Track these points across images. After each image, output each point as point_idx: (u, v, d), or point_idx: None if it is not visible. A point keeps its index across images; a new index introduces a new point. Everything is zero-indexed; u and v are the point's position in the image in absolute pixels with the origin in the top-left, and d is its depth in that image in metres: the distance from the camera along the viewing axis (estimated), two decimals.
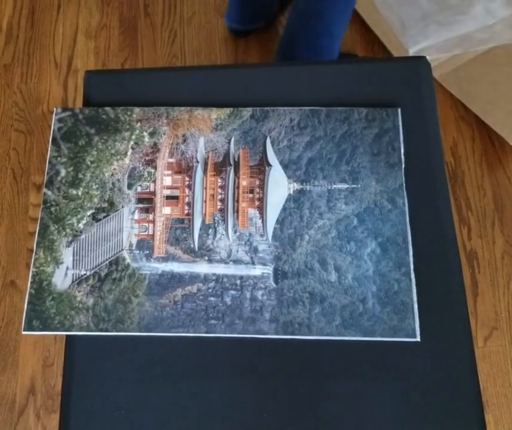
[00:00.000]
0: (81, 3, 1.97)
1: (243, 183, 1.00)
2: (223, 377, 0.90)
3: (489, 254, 1.60)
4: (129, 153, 1.01)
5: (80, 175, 1.00)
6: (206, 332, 0.91)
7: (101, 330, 0.91)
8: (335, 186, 1.00)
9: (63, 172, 1.00)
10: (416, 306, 0.91)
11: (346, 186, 1.00)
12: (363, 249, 0.96)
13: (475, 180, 1.68)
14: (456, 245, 0.99)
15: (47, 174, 1.00)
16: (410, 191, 0.98)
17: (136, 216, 0.99)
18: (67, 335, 0.95)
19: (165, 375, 0.90)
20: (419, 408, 0.88)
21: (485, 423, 0.88)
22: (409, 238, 0.95)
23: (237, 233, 0.97)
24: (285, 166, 1.01)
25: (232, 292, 0.94)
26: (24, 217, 1.65)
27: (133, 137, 1.03)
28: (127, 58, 1.88)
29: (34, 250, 0.96)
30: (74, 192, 0.99)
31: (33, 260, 0.95)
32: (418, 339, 0.90)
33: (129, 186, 1.00)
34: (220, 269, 0.95)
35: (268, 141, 1.02)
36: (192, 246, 0.96)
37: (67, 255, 0.95)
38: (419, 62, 1.08)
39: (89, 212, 0.98)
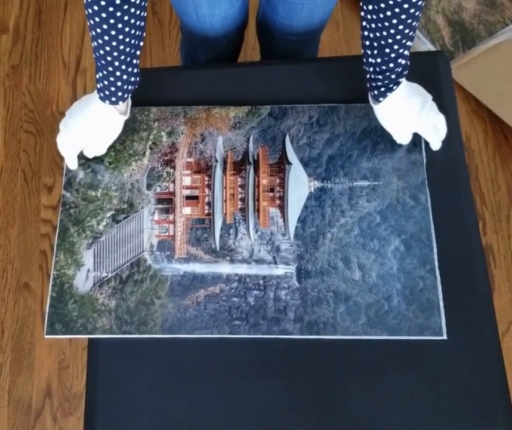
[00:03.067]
0: None
1: (263, 181, 0.99)
2: (248, 379, 0.89)
3: (504, 248, 1.59)
4: (147, 154, 1.01)
5: (98, 177, 0.99)
6: (230, 333, 0.91)
7: (124, 332, 0.91)
8: (356, 183, 0.99)
9: (81, 174, 0.99)
10: (441, 303, 0.91)
11: (368, 183, 0.98)
12: (386, 247, 0.94)
13: (488, 174, 1.67)
14: (480, 240, 0.98)
15: (65, 176, 0.99)
16: (432, 187, 0.97)
17: (156, 217, 0.98)
18: (89, 338, 0.94)
19: (189, 378, 0.89)
20: (448, 405, 0.87)
21: None
22: (433, 235, 0.95)
23: (259, 233, 0.96)
24: (305, 164, 1.00)
25: (255, 292, 0.93)
26: (36, 219, 1.64)
27: (151, 137, 1.02)
28: None
29: (55, 252, 0.95)
30: (93, 193, 0.98)
31: (53, 262, 0.95)
32: (445, 337, 0.89)
33: (148, 187, 0.99)
34: (242, 269, 0.94)
35: (287, 139, 1.01)
36: (213, 246, 0.95)
37: (87, 257, 0.95)
38: (438, 56, 1.07)
39: (108, 214, 0.97)
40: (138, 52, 0.86)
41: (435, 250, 0.94)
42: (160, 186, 0.99)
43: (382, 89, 0.89)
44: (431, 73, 0.89)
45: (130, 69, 0.86)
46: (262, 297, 0.92)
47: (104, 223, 0.96)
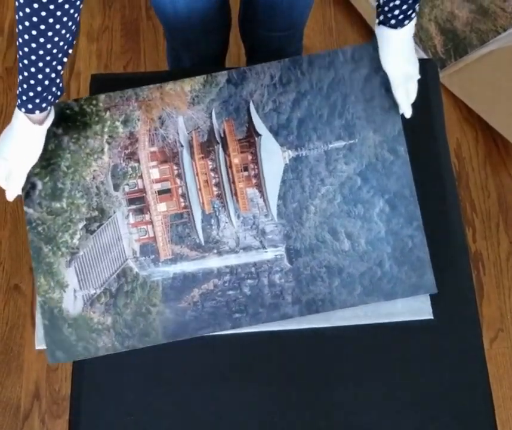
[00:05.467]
0: (83, 6, 1.96)
1: (235, 160, 0.93)
2: (232, 381, 0.90)
3: (494, 255, 1.60)
4: (106, 149, 0.93)
5: (59, 185, 0.92)
6: (232, 328, 0.89)
7: (127, 347, 0.88)
8: (331, 146, 0.93)
9: (40, 185, 0.91)
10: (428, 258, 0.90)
11: (343, 143, 0.93)
12: (371, 210, 0.92)
13: (479, 181, 1.68)
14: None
15: (22, 190, 0.91)
16: (420, 191, 0.95)
17: (131, 220, 0.93)
18: None
19: (174, 381, 0.90)
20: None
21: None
22: (414, 189, 0.91)
23: (241, 218, 0.93)
24: (275, 133, 0.93)
25: (249, 281, 0.90)
26: None
27: (106, 129, 0.94)
28: (129, 61, 1.87)
29: (34, 277, 0.89)
30: (58, 204, 0.91)
31: (36, 288, 0.90)
32: (436, 291, 0.90)
33: (116, 187, 0.93)
34: (231, 260, 0.91)
35: (251, 107, 0.94)
36: (198, 241, 0.92)
37: (70, 276, 0.90)
38: (427, 65, 1.08)
39: (80, 225, 0.91)
40: (64, 59, 0.82)
41: (418, 206, 0.91)
42: (128, 184, 0.93)
43: (401, 16, 0.85)
44: (420, 80, 0.89)
45: (53, 75, 0.82)
46: (256, 285, 0.90)
47: (78, 235, 0.91)
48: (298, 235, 0.92)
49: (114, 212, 0.92)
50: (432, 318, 0.91)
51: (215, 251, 0.92)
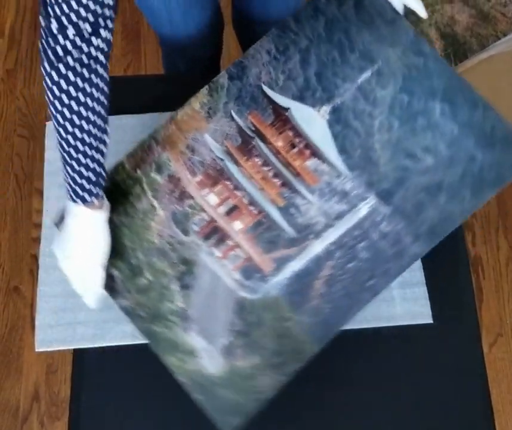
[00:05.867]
0: None
1: (279, 143, 0.89)
2: None
3: (493, 260, 1.60)
4: (156, 204, 0.88)
5: (134, 262, 0.86)
6: (373, 296, 0.82)
7: (289, 374, 0.82)
8: (360, 80, 0.89)
9: (116, 273, 0.86)
10: None
11: (369, 71, 0.89)
12: (433, 116, 0.87)
13: None
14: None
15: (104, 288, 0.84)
16: None
17: (218, 253, 0.87)
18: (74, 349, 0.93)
19: (175, 384, 0.89)
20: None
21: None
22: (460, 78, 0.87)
23: (316, 192, 0.87)
24: (301, 99, 0.90)
25: (361, 245, 0.84)
26: (28, 222, 1.64)
27: (146, 186, 0.89)
28: (130, 63, 1.87)
29: (163, 361, 0.82)
30: (143, 280, 0.85)
31: (172, 371, 0.82)
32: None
33: (185, 233, 0.87)
34: (332, 235, 0.85)
35: (265, 88, 0.91)
36: (289, 236, 0.86)
37: (194, 340, 0.83)
38: None
39: (174, 286, 0.85)
40: (104, 137, 0.80)
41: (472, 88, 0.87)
42: (194, 223, 0.87)
43: None
44: None
45: (98, 156, 0.79)
46: (370, 244, 0.84)
47: (178, 297, 0.84)
48: (378, 176, 0.86)
49: (197, 256, 0.87)
50: (432, 322, 0.91)
51: (312, 235, 0.85)
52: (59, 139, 0.78)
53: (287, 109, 0.89)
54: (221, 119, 0.91)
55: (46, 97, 0.75)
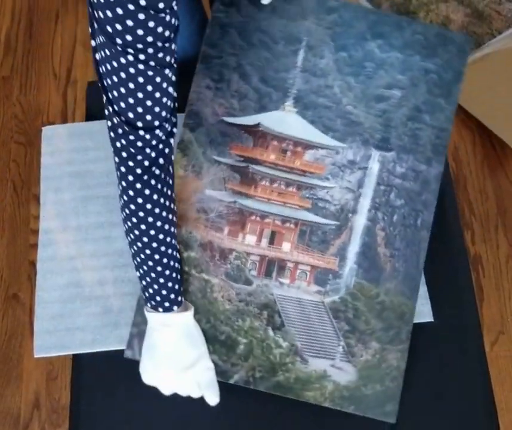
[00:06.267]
0: (79, 14, 1.96)
1: (271, 157, 0.91)
2: (238, 393, 0.88)
3: (493, 258, 1.59)
4: (205, 277, 0.88)
5: (223, 338, 0.86)
6: (429, 228, 0.90)
7: None
8: (299, 62, 0.93)
9: (214, 357, 0.85)
10: None
11: (302, 50, 0.94)
12: (374, 55, 0.92)
13: (477, 184, 1.68)
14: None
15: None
16: None
17: (286, 280, 0.89)
18: (73, 354, 0.92)
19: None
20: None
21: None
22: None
23: (329, 176, 0.91)
24: (262, 109, 0.93)
25: (392, 195, 0.90)
26: (26, 229, 1.64)
27: (186, 268, 0.88)
28: None
29: None
30: (241, 347, 0.86)
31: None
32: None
33: (248, 282, 0.89)
34: (365, 203, 0.90)
35: (228, 119, 0.92)
36: (334, 226, 0.90)
37: (321, 365, 0.86)
38: None
39: (272, 333, 0.87)
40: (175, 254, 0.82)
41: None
42: (250, 269, 0.89)
43: None
44: None
45: (176, 264, 0.82)
46: (400, 190, 0.91)
47: (281, 339, 0.86)
48: (368, 131, 0.92)
49: (272, 295, 0.89)
50: (432, 320, 0.91)
51: (350, 214, 0.91)
52: (134, 249, 0.79)
53: (258, 125, 0.92)
54: (209, 168, 0.92)
55: (122, 212, 0.77)
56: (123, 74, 0.66)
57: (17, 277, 1.59)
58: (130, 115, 0.69)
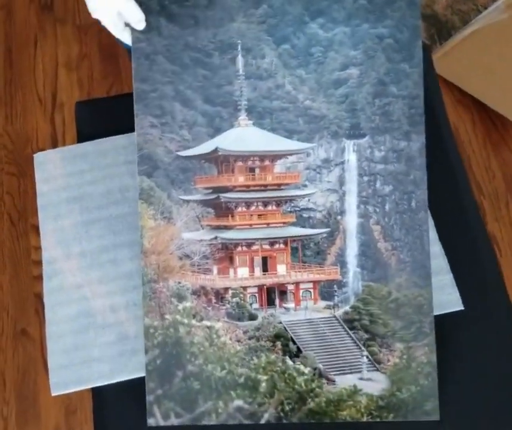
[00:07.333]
0: (58, 36, 1.93)
1: (240, 179, 0.86)
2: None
3: (508, 236, 1.58)
4: (207, 323, 0.84)
5: (242, 381, 0.82)
6: (425, 205, 0.85)
7: None
8: (240, 69, 0.86)
9: (240, 403, 0.82)
10: None
11: (239, 53, 0.86)
12: (318, 37, 0.84)
13: (482, 162, 1.67)
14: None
15: None
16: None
17: (291, 304, 0.87)
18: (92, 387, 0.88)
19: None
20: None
21: None
22: None
23: (307, 182, 0.86)
24: (216, 131, 0.86)
25: (378, 184, 0.85)
26: (27, 261, 1.62)
27: (185, 320, 0.83)
28: (112, 85, 1.85)
29: None
30: (264, 384, 0.81)
31: None
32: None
33: (253, 317, 0.85)
34: (352, 200, 0.85)
35: (182, 153, 0.86)
36: (325, 233, 0.85)
37: (349, 381, 0.82)
38: None
39: (290, 362, 0.82)
40: None
41: None
42: (251, 304, 0.86)
43: None
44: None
45: None
46: (385, 175, 0.86)
47: (301, 365, 0.82)
48: (334, 122, 0.86)
49: (281, 323, 0.85)
50: (462, 308, 0.88)
51: (339, 216, 0.86)
52: None
53: (216, 150, 0.86)
54: (179, 210, 0.87)
55: None
56: None
57: (23, 312, 1.57)
58: None
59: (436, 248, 0.90)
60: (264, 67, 0.86)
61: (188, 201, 0.87)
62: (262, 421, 0.82)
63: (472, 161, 1.66)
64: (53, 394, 0.89)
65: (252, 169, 0.88)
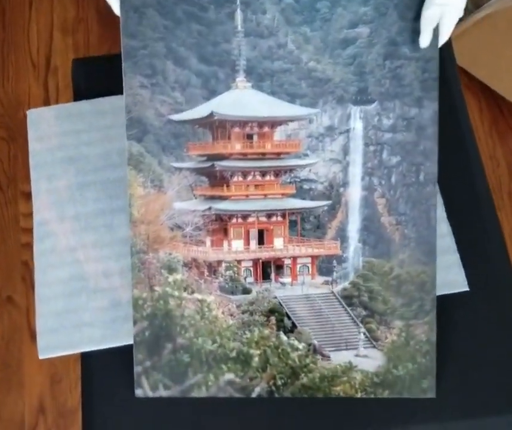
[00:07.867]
0: None
1: (237, 147, 0.81)
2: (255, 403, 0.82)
3: (509, 226, 1.56)
4: (199, 297, 0.81)
5: (234, 355, 0.79)
6: (434, 178, 0.80)
7: None
8: (239, 28, 0.79)
9: (231, 376, 0.80)
10: None
11: (239, 14, 0.79)
12: None
13: (487, 150, 1.64)
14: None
15: None
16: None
17: (288, 279, 0.84)
18: (82, 352, 0.87)
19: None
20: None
21: None
22: None
23: (308, 151, 0.81)
24: (211, 94, 0.80)
25: (385, 154, 0.80)
26: (16, 228, 1.59)
27: (176, 293, 0.80)
28: (109, 50, 1.80)
29: None
30: (256, 358, 0.78)
31: None
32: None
33: (247, 291, 0.82)
34: (356, 171, 0.80)
35: (175, 117, 0.80)
36: (327, 206, 0.81)
37: (344, 358, 0.80)
38: None
39: (285, 337, 0.80)
40: None
41: None
42: (245, 278, 0.83)
43: None
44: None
45: None
46: (393, 143, 0.80)
47: (296, 341, 0.80)
48: (340, 86, 0.80)
49: (276, 298, 0.82)
50: (468, 289, 0.86)
51: (341, 188, 0.81)
52: None
53: (212, 114, 0.80)
54: (171, 178, 0.82)
55: None
56: None
57: (10, 279, 1.54)
58: None
59: (444, 227, 0.88)
60: (265, 23, 0.80)
61: (180, 169, 0.82)
62: (254, 395, 0.80)
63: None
64: (40, 357, 0.86)
65: (249, 136, 0.83)
